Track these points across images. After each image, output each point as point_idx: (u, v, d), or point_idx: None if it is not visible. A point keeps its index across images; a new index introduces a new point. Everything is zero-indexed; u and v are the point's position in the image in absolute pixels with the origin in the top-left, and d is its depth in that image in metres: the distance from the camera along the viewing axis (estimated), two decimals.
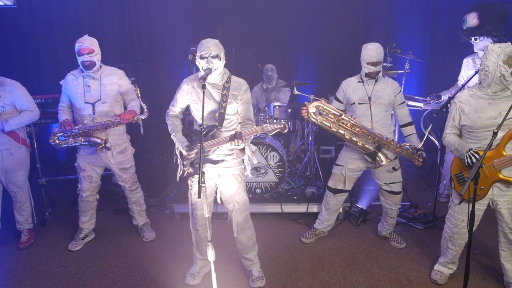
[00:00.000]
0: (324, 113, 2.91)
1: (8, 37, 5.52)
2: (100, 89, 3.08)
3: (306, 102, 2.90)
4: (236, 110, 2.57)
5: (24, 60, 5.63)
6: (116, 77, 3.16)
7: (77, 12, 5.58)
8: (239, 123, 2.62)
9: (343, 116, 2.89)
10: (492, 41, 3.51)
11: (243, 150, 2.54)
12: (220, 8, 5.65)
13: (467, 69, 3.79)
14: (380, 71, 3.00)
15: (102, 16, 5.69)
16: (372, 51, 2.95)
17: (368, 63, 2.96)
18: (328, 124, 2.89)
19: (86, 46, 2.97)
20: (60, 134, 3.08)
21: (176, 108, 2.68)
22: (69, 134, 3.05)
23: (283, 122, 2.39)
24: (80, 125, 3.07)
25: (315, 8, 5.76)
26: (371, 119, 3.01)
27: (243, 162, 2.66)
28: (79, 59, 2.99)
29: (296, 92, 4.65)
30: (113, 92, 3.14)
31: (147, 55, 5.87)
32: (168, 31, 5.84)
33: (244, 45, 5.21)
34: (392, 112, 3.17)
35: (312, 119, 2.88)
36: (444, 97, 3.96)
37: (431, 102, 3.93)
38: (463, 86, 3.38)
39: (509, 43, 2.33)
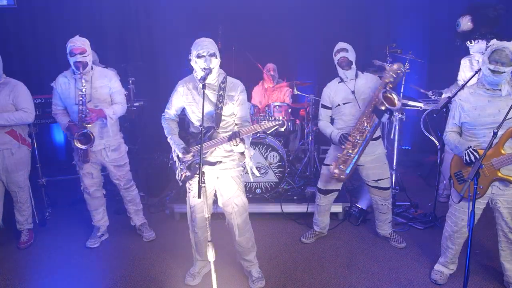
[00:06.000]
0: (345, 159, 2.95)
1: (8, 37, 5.52)
2: (91, 92, 3.05)
3: (333, 172, 2.95)
4: (232, 111, 2.56)
5: (24, 60, 5.62)
6: (106, 79, 3.13)
7: (77, 12, 5.56)
8: (236, 124, 2.61)
9: (350, 139, 2.94)
10: (487, 43, 3.53)
11: (242, 154, 2.53)
12: (220, 8, 5.64)
13: (465, 69, 3.80)
14: (351, 60, 3.03)
15: (102, 16, 5.68)
16: (340, 43, 3.09)
17: (336, 52, 3.05)
18: (353, 155, 2.94)
19: (78, 46, 2.95)
20: (78, 135, 2.97)
21: (172, 110, 2.67)
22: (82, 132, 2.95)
23: (282, 119, 2.41)
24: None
25: (315, 8, 5.76)
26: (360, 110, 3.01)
27: (245, 168, 2.63)
28: (72, 60, 2.97)
29: (296, 92, 4.66)
30: (103, 96, 3.12)
31: (147, 55, 5.86)
32: (168, 31, 5.83)
33: (244, 45, 5.20)
34: None
35: (347, 177, 2.97)
36: (445, 94, 3.97)
37: (433, 97, 3.96)
38: (462, 86, 3.39)
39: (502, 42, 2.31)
